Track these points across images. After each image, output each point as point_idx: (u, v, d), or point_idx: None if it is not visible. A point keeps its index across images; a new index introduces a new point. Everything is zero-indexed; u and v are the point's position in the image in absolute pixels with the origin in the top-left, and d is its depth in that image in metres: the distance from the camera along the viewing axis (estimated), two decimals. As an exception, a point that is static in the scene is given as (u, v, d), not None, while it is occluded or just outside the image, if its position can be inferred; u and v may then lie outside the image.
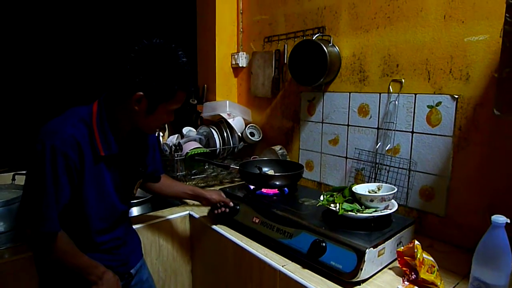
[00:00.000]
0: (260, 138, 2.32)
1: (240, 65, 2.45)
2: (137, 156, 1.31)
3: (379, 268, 1.21)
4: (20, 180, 1.81)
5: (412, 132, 1.53)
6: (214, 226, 1.59)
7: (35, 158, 1.03)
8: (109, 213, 1.23)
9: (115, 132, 1.16)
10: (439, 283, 1.09)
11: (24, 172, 1.84)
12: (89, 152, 1.10)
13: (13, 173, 1.83)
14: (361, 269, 1.10)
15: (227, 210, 1.56)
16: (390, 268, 1.24)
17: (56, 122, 1.09)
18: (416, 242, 1.14)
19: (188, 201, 1.83)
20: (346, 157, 1.82)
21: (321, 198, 1.40)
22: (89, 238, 1.20)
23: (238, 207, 1.57)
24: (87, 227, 1.18)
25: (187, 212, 1.76)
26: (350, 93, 1.77)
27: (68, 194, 1.08)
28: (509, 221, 0.94)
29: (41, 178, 1.02)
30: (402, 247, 1.18)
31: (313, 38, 1.80)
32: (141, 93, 1.07)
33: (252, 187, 1.71)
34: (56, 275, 1.20)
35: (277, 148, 2.13)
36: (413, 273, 1.13)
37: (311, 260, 1.23)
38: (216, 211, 1.57)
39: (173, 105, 1.15)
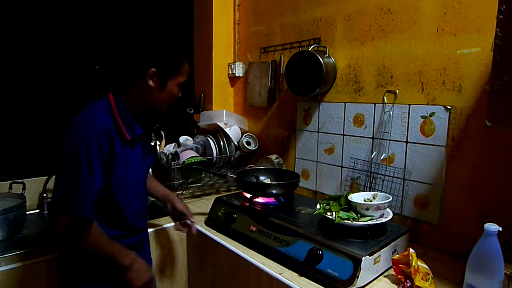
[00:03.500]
0: (257, 147, 2.34)
1: (237, 75, 2.48)
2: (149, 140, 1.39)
3: (375, 276, 1.22)
4: (17, 189, 1.82)
5: (406, 142, 1.56)
6: (210, 235, 1.60)
7: (70, 148, 1.09)
8: (139, 198, 1.33)
9: (133, 116, 1.23)
10: (433, 291, 1.11)
11: (21, 181, 1.85)
12: (118, 139, 1.17)
13: (10, 181, 1.83)
14: (357, 277, 1.12)
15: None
16: (385, 276, 1.25)
17: (86, 114, 1.16)
18: (411, 250, 1.17)
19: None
20: (342, 166, 1.85)
21: (318, 206, 1.42)
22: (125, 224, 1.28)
23: (235, 216, 1.58)
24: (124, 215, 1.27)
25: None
26: (345, 103, 1.80)
27: (101, 181, 1.14)
28: (501, 229, 0.97)
29: (76, 167, 1.07)
30: (397, 255, 1.20)
31: (309, 49, 1.83)
32: (154, 69, 1.18)
33: (248, 195, 1.72)
34: (80, 273, 1.23)
35: (273, 157, 2.15)
36: (408, 281, 1.14)
37: (308, 268, 1.24)
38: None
39: (180, 78, 1.26)
